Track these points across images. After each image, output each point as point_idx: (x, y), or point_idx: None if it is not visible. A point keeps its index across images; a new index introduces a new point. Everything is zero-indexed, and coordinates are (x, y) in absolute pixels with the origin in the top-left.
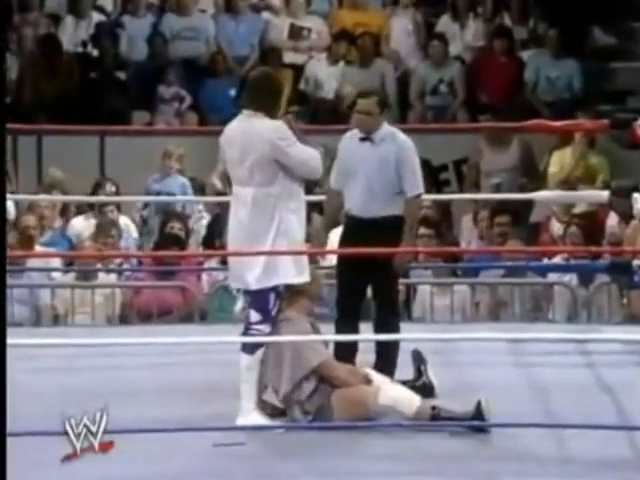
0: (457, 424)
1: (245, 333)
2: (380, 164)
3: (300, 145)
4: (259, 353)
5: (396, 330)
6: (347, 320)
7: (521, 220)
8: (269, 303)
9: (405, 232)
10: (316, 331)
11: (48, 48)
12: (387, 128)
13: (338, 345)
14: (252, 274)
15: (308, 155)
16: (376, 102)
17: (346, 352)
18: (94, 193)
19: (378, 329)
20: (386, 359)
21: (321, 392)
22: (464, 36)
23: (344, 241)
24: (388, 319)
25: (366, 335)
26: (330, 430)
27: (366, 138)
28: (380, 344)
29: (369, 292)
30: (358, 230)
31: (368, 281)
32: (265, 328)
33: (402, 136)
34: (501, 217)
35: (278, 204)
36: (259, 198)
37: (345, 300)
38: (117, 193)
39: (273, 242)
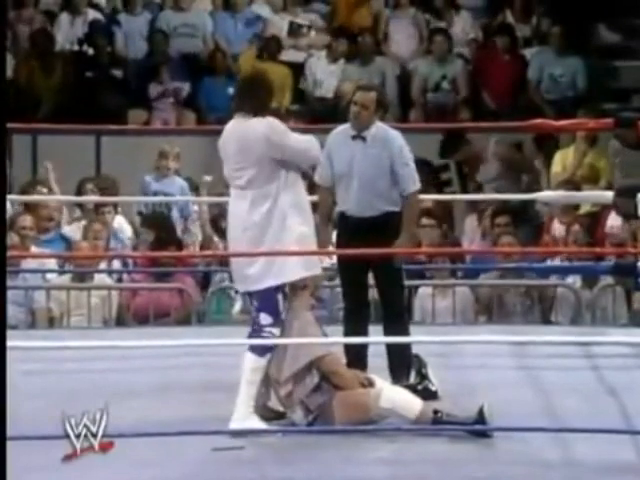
0: (460, 428)
1: (255, 335)
2: (374, 164)
3: (295, 135)
4: (269, 356)
5: (403, 329)
6: (355, 321)
7: (522, 221)
8: (279, 304)
9: (405, 228)
10: (319, 326)
11: (43, 45)
12: (379, 126)
13: (347, 349)
14: (255, 274)
15: (305, 144)
16: (374, 98)
17: (355, 356)
18: (78, 193)
19: (386, 331)
20: (397, 360)
21: (324, 390)
22: (454, 33)
23: (343, 241)
24: (394, 319)
25: (364, 337)
26: (330, 434)
27: (358, 136)
28: (389, 345)
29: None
30: (358, 229)
31: (367, 279)
32: (276, 331)
33: (393, 133)
34: (501, 218)
35: (278, 200)
36: (258, 197)
37: (351, 301)
38: (110, 192)
39: (276, 239)
